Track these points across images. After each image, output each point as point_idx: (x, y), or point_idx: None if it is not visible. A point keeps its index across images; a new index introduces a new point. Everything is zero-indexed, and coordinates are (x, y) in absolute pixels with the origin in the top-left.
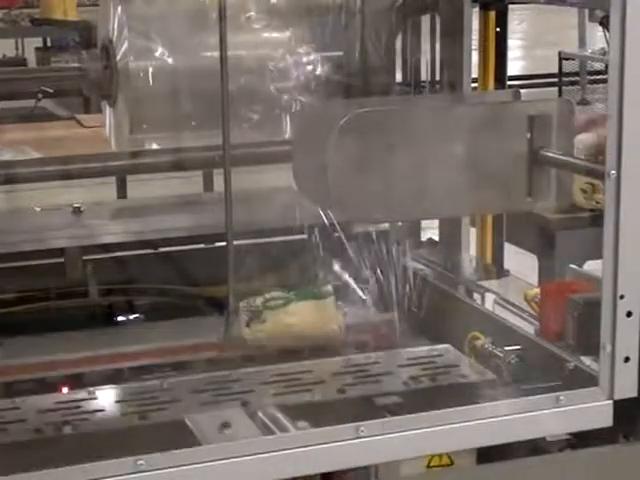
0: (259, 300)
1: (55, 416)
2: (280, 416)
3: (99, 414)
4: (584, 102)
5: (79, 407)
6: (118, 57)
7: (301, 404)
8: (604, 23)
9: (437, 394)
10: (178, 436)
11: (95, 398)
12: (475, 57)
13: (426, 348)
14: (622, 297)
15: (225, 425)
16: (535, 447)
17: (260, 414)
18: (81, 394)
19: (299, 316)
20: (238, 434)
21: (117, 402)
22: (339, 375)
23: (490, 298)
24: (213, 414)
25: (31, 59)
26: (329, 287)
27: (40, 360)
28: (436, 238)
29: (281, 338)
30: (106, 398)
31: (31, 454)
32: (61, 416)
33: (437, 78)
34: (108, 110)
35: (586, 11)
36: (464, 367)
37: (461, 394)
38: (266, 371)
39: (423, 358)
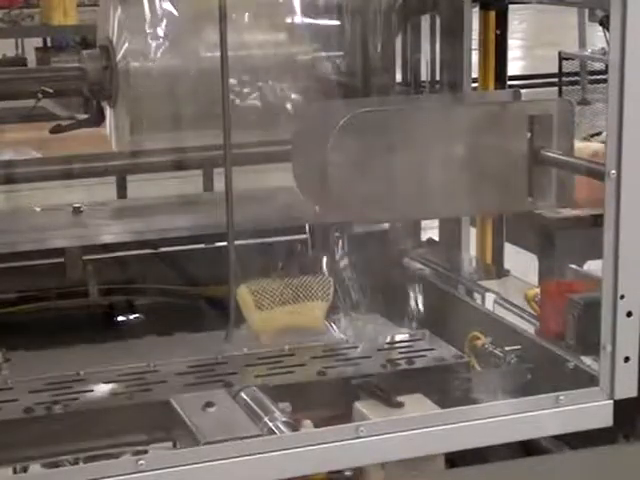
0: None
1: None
2: None
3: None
4: (584, 102)
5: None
6: (118, 57)
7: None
8: (604, 23)
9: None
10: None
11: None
12: (475, 57)
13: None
14: (622, 297)
15: (208, 404)
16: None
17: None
18: None
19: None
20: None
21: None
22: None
23: (490, 298)
24: None
25: (31, 59)
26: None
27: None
28: (436, 238)
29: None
30: None
31: None
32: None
33: (437, 78)
34: (108, 111)
35: (586, 11)
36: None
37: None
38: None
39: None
